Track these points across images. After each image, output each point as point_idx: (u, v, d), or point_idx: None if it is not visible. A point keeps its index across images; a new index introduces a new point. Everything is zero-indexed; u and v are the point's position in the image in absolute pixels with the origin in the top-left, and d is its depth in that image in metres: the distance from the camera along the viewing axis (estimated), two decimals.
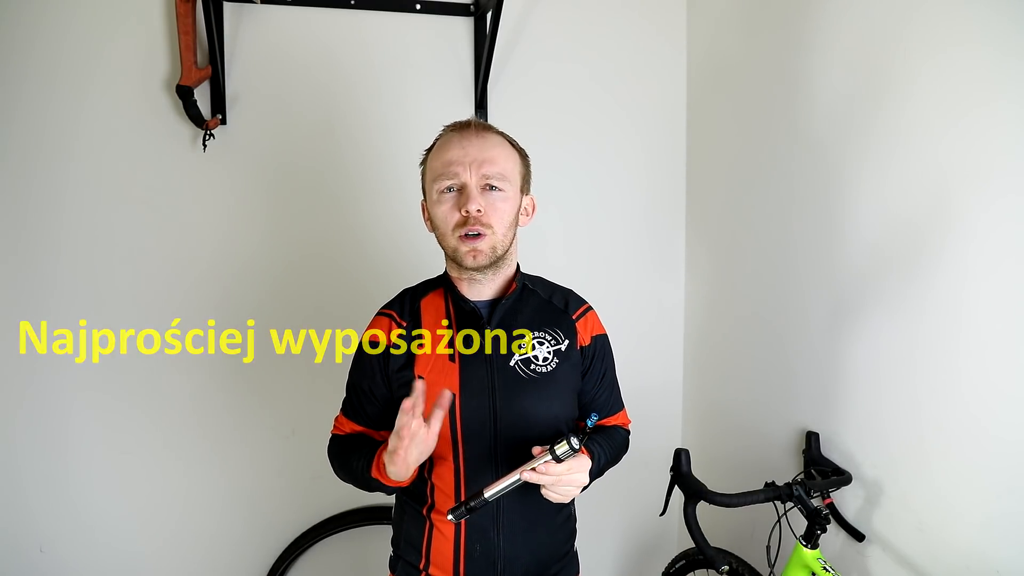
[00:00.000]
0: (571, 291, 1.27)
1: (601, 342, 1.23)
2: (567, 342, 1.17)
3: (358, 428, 1.20)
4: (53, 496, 1.87)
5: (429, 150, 1.18)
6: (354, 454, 1.13)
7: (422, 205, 1.20)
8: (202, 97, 1.83)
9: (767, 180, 1.78)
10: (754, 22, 1.83)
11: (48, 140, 1.79)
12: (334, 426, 1.24)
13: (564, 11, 2.05)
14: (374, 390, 1.16)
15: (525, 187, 1.18)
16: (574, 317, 1.21)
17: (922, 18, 1.30)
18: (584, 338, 1.20)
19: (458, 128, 1.14)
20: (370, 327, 1.19)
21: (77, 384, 1.85)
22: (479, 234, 1.08)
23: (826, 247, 1.56)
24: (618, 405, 1.30)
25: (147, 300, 1.87)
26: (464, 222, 1.08)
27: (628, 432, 1.32)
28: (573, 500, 1.26)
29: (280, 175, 1.92)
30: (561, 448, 0.98)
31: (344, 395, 1.24)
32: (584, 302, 1.26)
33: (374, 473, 1.07)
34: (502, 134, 1.17)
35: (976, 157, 1.19)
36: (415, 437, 0.96)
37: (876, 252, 1.41)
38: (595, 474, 1.13)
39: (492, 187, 1.10)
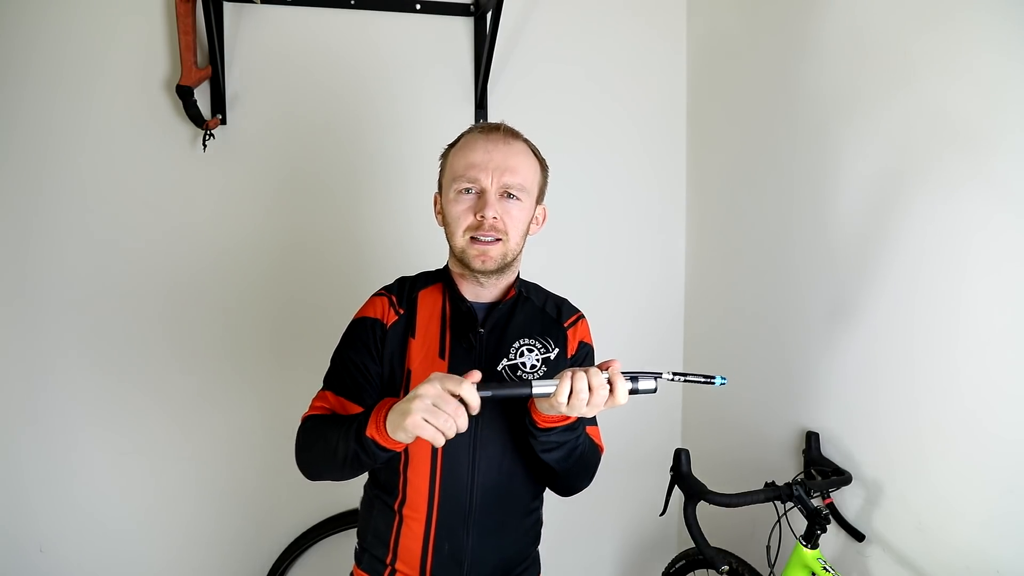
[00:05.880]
0: (565, 299, 1.26)
1: (585, 351, 1.22)
2: (557, 351, 1.16)
3: (349, 404, 1.11)
4: (53, 496, 1.87)
5: (452, 146, 1.17)
6: (342, 422, 1.03)
7: (435, 197, 1.20)
8: (202, 97, 1.83)
9: (767, 180, 1.78)
10: (754, 22, 1.83)
11: (49, 140, 1.79)
12: (311, 406, 1.14)
13: (564, 11, 2.05)
14: (368, 365, 1.13)
15: (540, 197, 1.19)
16: (566, 325, 1.20)
17: (918, 16, 1.30)
18: (573, 346, 1.20)
19: (486, 130, 1.14)
20: (368, 304, 1.18)
21: (77, 384, 1.85)
22: (493, 239, 1.09)
23: (826, 247, 1.56)
24: (592, 419, 1.20)
25: (147, 300, 1.87)
26: (478, 226, 1.09)
27: (599, 455, 1.20)
28: (542, 506, 1.25)
29: (280, 175, 1.92)
30: (642, 381, 0.93)
31: (328, 369, 1.17)
32: (576, 311, 1.25)
33: (370, 431, 0.96)
34: (527, 142, 1.16)
35: (976, 156, 1.19)
36: (458, 416, 0.88)
37: (875, 251, 1.41)
38: (567, 452, 1.06)
39: (510, 195, 1.10)
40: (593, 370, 0.92)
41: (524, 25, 2.03)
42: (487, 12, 1.90)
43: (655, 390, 0.95)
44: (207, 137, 1.80)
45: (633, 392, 0.94)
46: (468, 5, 1.98)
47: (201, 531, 1.95)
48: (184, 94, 1.75)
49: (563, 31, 2.06)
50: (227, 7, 1.84)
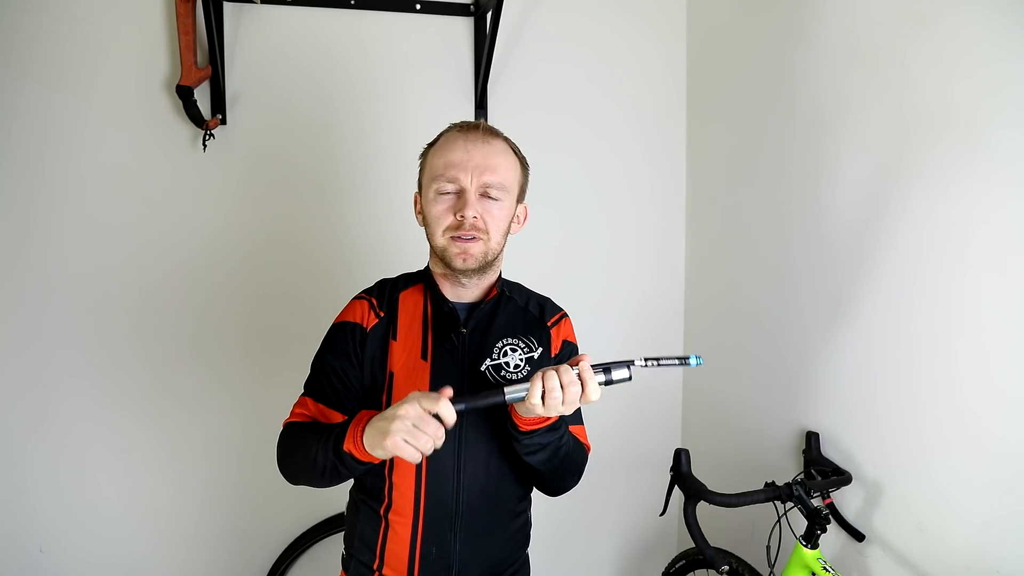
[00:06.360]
0: (548, 299, 1.25)
1: (569, 349, 1.20)
2: (540, 350, 1.16)
3: (329, 411, 1.11)
4: (53, 496, 1.87)
5: (431, 144, 1.16)
6: (321, 432, 1.03)
7: (415, 197, 1.19)
8: (202, 97, 1.82)
9: (768, 181, 1.78)
10: (754, 22, 1.83)
11: (49, 140, 1.79)
12: (292, 412, 1.14)
13: (564, 11, 2.05)
14: (348, 371, 1.12)
15: (521, 196, 1.18)
16: (549, 324, 1.20)
17: (915, 11, 1.30)
18: (556, 345, 1.19)
19: (464, 129, 1.12)
20: (348, 308, 1.17)
21: (77, 384, 1.85)
22: (473, 238, 1.08)
23: (825, 246, 1.56)
24: (577, 419, 1.19)
25: (147, 299, 1.87)
26: (458, 226, 1.08)
27: (586, 455, 1.19)
28: (530, 508, 1.24)
29: (280, 175, 1.92)
30: (615, 372, 0.92)
31: (309, 375, 1.17)
32: (559, 309, 1.24)
33: (347, 446, 0.96)
34: (507, 141, 1.15)
35: (974, 150, 1.19)
36: (437, 438, 0.89)
37: (875, 249, 1.41)
38: (551, 453, 1.06)
39: (490, 195, 1.09)
40: (563, 367, 0.92)
41: (524, 25, 2.03)
42: (487, 12, 1.90)
43: (630, 378, 0.94)
44: (207, 137, 1.80)
45: (608, 383, 0.93)
46: (468, 5, 1.98)
47: (201, 531, 1.95)
48: (184, 94, 1.75)
49: (563, 31, 2.06)
50: (227, 7, 1.84)
